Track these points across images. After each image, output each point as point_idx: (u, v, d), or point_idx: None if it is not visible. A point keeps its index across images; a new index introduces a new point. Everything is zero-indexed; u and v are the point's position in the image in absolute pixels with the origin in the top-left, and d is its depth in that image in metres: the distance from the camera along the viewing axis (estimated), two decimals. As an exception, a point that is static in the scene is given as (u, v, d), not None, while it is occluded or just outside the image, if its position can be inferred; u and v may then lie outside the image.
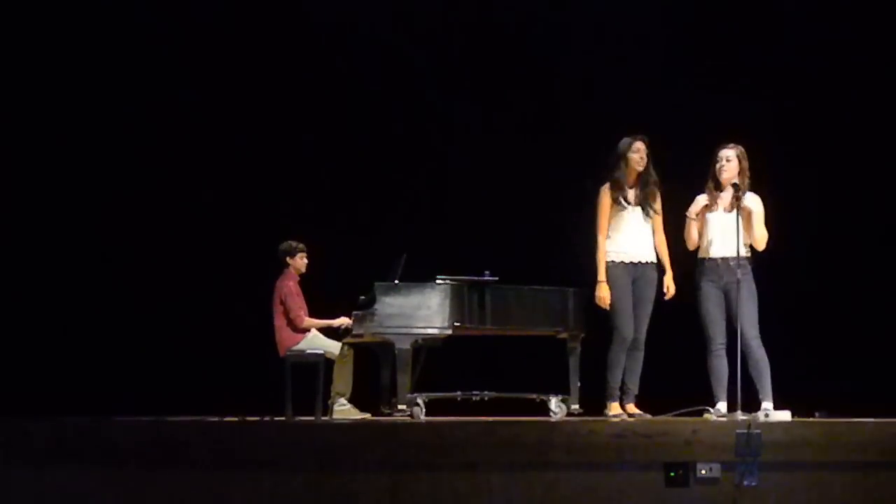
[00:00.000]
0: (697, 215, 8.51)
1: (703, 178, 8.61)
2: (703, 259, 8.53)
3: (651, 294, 8.63)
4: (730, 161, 8.50)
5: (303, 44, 10.87)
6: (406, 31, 10.89)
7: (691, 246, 8.60)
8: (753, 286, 8.44)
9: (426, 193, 10.90)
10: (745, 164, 8.52)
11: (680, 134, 9.73)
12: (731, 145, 8.55)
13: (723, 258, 8.44)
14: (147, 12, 10.71)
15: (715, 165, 8.54)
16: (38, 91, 10.63)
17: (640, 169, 8.63)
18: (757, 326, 8.39)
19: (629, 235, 8.62)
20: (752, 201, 8.53)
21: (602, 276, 8.56)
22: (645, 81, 10.61)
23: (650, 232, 8.68)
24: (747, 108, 10.24)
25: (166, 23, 10.71)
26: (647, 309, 8.63)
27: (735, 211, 8.39)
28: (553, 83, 10.92)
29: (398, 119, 10.94)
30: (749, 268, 8.46)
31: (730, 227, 8.38)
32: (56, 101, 10.64)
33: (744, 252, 8.43)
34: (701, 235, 8.58)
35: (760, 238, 8.49)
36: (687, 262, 8.69)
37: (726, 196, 8.53)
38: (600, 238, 8.61)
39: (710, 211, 8.53)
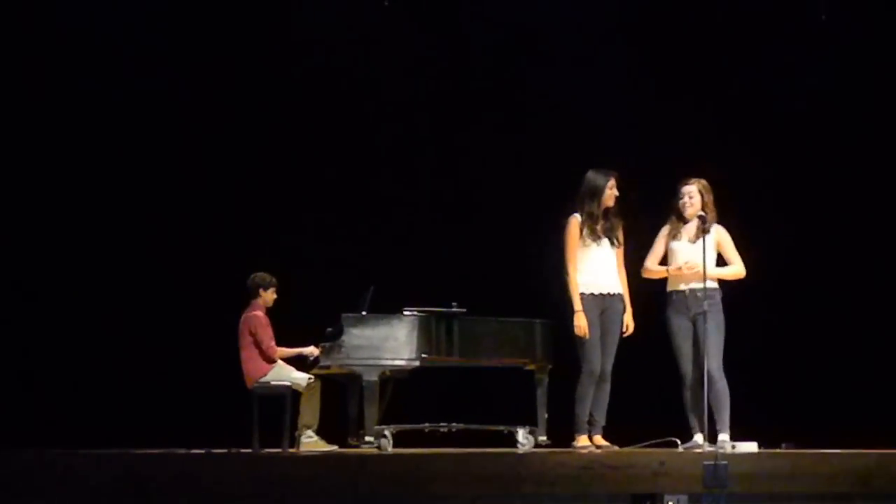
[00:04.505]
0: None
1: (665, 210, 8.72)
2: (672, 291, 8.60)
3: (618, 325, 8.66)
4: (692, 197, 8.61)
5: (273, 74, 10.87)
6: (375, 62, 10.91)
7: (653, 277, 8.66)
8: (721, 318, 8.50)
9: (393, 225, 10.89)
10: (709, 197, 8.61)
11: (644, 167, 9.79)
12: (693, 180, 8.65)
13: (691, 289, 8.48)
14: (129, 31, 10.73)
15: (679, 200, 8.63)
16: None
17: (612, 204, 8.68)
18: (721, 358, 8.45)
19: (597, 267, 8.64)
20: (719, 233, 8.61)
21: (578, 305, 8.57)
22: (611, 111, 10.65)
23: (616, 263, 8.72)
24: (711, 139, 10.35)
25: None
26: (615, 340, 8.65)
27: (701, 241, 8.46)
28: (520, 112, 10.95)
29: (366, 151, 10.94)
30: (717, 298, 8.52)
31: (696, 258, 8.44)
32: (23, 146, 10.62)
33: (711, 283, 8.50)
34: (665, 263, 8.64)
35: (739, 268, 8.58)
36: (649, 293, 8.75)
37: (690, 227, 8.61)
38: (571, 269, 8.62)
39: (676, 239, 8.60)
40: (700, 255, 8.40)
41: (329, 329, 9.05)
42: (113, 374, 10.40)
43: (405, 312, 8.89)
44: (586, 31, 10.79)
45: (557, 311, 8.76)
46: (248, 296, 9.35)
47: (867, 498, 7.22)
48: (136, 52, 10.69)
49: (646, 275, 8.74)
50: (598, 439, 8.61)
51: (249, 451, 8.86)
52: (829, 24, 10.50)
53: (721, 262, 8.67)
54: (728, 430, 8.44)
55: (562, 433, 8.82)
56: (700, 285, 8.46)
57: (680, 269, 8.50)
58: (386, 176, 10.91)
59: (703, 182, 8.64)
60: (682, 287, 8.54)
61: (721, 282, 8.61)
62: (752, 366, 8.83)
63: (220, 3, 10.81)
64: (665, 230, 8.73)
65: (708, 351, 8.35)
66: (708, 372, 8.34)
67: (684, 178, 8.69)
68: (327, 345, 8.97)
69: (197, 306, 10.28)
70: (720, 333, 8.48)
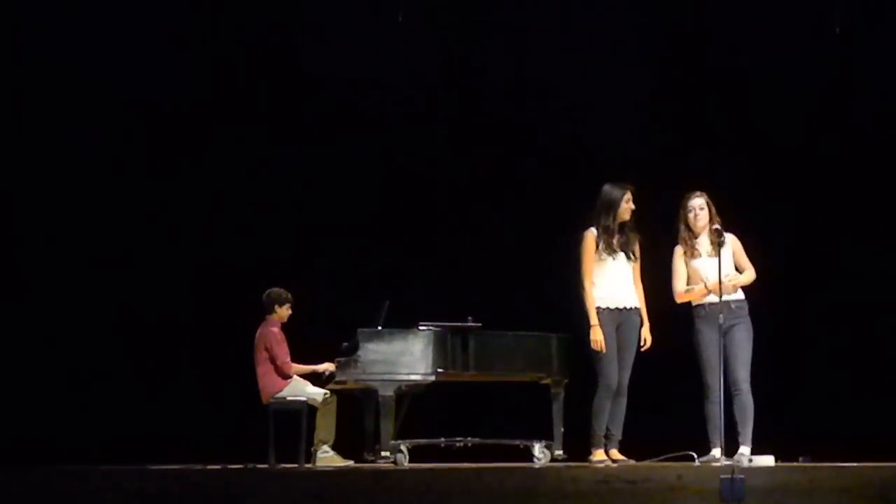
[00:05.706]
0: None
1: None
2: (705, 304, 8.54)
3: (635, 339, 8.64)
4: (703, 209, 8.61)
5: (289, 91, 10.90)
6: (390, 79, 10.93)
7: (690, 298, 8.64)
8: (751, 329, 8.50)
9: (409, 239, 10.90)
10: (713, 208, 8.60)
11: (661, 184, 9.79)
12: (698, 193, 8.65)
13: (724, 301, 8.43)
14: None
15: (687, 215, 8.61)
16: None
17: (628, 217, 8.67)
18: (749, 370, 8.44)
19: (613, 281, 8.64)
20: (733, 241, 8.61)
21: (594, 319, 8.57)
22: (624, 128, 10.67)
23: (632, 277, 8.71)
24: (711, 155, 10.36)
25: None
26: (631, 354, 8.64)
27: (720, 253, 8.44)
28: (535, 125, 10.96)
29: (380, 165, 10.95)
30: (746, 310, 8.51)
31: (724, 270, 8.41)
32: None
33: (740, 294, 8.50)
34: (689, 282, 8.61)
35: (753, 273, 8.58)
36: (664, 307, 8.74)
37: (703, 241, 8.59)
38: (587, 283, 8.62)
39: (694, 258, 8.58)
40: (723, 266, 8.39)
41: (345, 344, 9.06)
42: (128, 389, 10.41)
43: (420, 327, 8.89)
44: (600, 44, 10.82)
45: (573, 325, 8.75)
46: (263, 311, 9.37)
47: (885, 511, 7.19)
48: (156, 70, 10.78)
49: (681, 299, 8.67)
50: (615, 453, 8.60)
51: (265, 466, 8.88)
52: (842, 36, 10.47)
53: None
54: (750, 443, 8.43)
55: (578, 447, 8.81)
56: (733, 297, 8.48)
57: (722, 282, 8.42)
58: (400, 190, 10.92)
59: (705, 195, 8.64)
60: (716, 300, 8.46)
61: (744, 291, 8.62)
62: (768, 378, 8.79)
63: (235, 19, 10.84)
64: (679, 250, 8.68)
65: (740, 361, 8.42)
66: (737, 382, 8.39)
67: (687, 192, 8.68)
68: (343, 360, 8.97)
69: (213, 322, 10.28)
70: (750, 345, 8.51)
